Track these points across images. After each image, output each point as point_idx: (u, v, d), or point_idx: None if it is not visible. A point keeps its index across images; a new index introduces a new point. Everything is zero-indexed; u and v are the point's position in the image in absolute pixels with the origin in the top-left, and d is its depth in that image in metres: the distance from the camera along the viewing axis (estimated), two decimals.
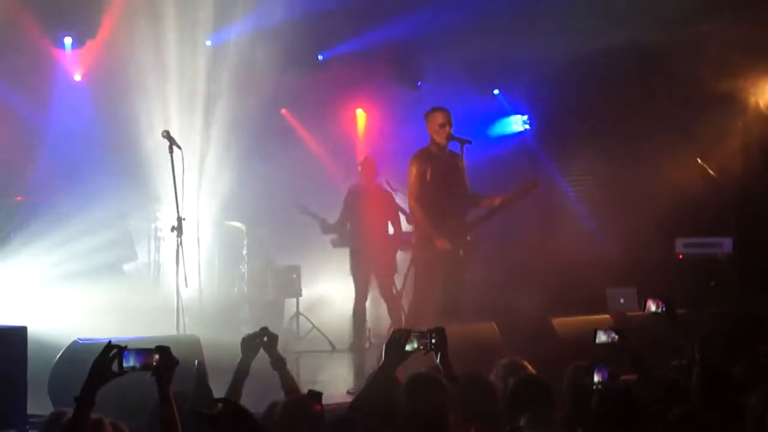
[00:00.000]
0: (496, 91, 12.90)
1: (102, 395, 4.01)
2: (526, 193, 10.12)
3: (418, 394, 4.32)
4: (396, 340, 4.46)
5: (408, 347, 4.46)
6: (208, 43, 12.29)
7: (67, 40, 11.86)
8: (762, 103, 10.42)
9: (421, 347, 4.50)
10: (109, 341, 3.89)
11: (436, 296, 8.53)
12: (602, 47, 10.93)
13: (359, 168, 10.74)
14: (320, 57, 12.67)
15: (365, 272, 10.41)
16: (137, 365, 3.86)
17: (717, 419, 4.18)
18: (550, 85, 12.04)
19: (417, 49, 12.39)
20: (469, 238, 8.63)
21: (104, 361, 3.82)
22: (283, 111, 13.08)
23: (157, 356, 3.89)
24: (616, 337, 5.09)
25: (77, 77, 12.06)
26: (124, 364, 3.83)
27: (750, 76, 10.33)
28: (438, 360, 4.58)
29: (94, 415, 3.96)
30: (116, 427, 4.05)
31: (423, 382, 4.39)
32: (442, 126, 8.50)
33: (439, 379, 4.41)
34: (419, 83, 12.74)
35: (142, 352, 3.88)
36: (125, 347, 3.87)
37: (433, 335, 4.51)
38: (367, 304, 10.48)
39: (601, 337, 5.14)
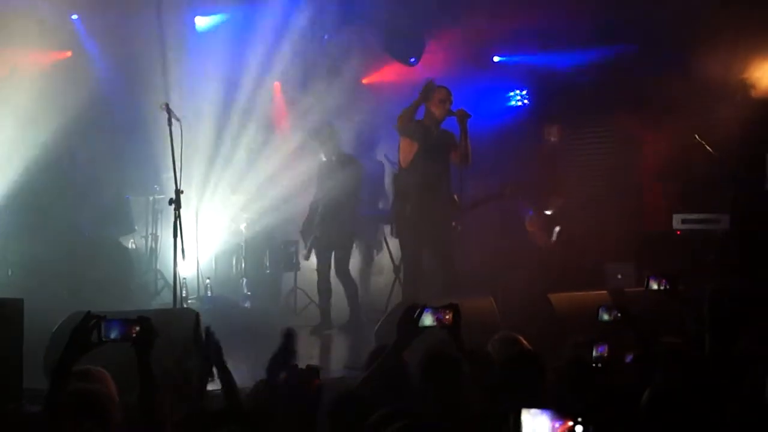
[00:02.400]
0: (496, 59, 12.84)
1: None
2: (499, 199, 10.27)
3: (437, 372, 4.30)
4: (409, 316, 4.40)
5: (422, 323, 4.40)
6: (199, 23, 12.31)
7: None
8: (759, 80, 10.39)
9: (436, 324, 4.42)
10: (89, 311, 3.86)
11: (428, 268, 8.66)
12: (601, 24, 10.92)
13: None
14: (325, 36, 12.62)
15: None
16: (117, 336, 3.83)
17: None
18: (547, 60, 12.01)
19: (414, 22, 12.34)
20: (459, 227, 8.69)
21: (83, 331, 3.79)
22: (276, 84, 13.03)
23: (137, 327, 3.85)
24: (619, 314, 5.08)
25: (68, 53, 12.02)
26: (104, 335, 3.81)
27: (747, 53, 10.30)
28: (451, 337, 4.51)
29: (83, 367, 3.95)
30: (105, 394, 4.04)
31: (442, 360, 4.36)
32: (442, 101, 8.61)
33: (456, 357, 4.37)
34: (412, 59, 12.65)
35: (122, 323, 3.84)
36: (104, 317, 3.84)
37: (448, 311, 4.45)
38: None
39: (604, 316, 5.12)
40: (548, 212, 10.70)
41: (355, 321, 9.88)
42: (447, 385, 4.26)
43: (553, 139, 10.93)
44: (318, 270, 10.21)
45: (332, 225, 10.00)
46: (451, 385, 4.27)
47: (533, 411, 2.85)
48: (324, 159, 10.26)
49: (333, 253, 10.11)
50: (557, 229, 10.62)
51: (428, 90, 8.59)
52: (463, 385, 4.30)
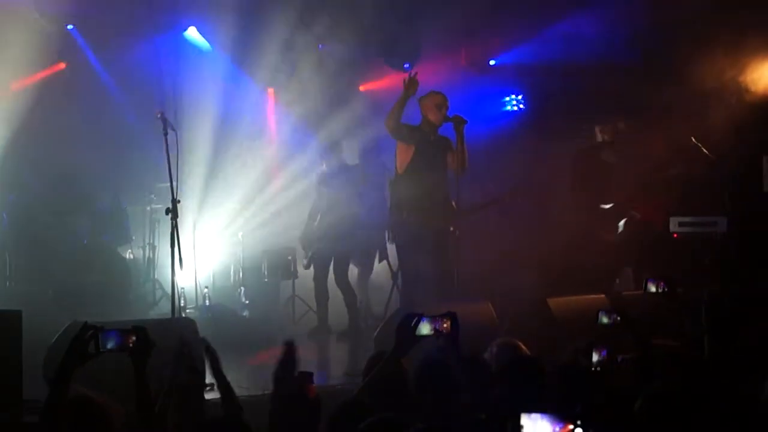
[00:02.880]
0: (492, 62, 12.84)
1: (94, 376, 4.01)
2: (503, 202, 10.17)
3: (430, 380, 4.28)
4: (407, 324, 4.41)
5: (419, 332, 4.40)
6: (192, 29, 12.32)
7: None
8: (754, 82, 10.41)
9: (433, 333, 4.40)
10: (86, 322, 3.87)
11: (425, 275, 8.64)
12: (597, 29, 10.95)
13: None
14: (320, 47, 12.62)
15: None
16: (114, 346, 3.84)
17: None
18: (543, 65, 12.02)
19: (408, 26, 12.36)
20: (457, 231, 8.65)
21: (81, 342, 3.79)
22: (270, 90, 13.06)
23: (133, 337, 3.87)
24: (618, 317, 5.08)
25: (62, 64, 12.01)
26: (101, 345, 3.81)
27: (742, 56, 10.32)
28: (449, 344, 4.49)
29: (83, 392, 3.94)
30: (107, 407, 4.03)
31: (435, 368, 4.35)
32: (439, 107, 8.59)
33: (449, 365, 4.35)
34: (406, 65, 12.66)
35: (119, 333, 3.85)
36: (101, 328, 3.85)
37: (446, 320, 4.45)
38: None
39: (603, 319, 5.12)
40: (605, 206, 10.33)
41: (354, 328, 9.90)
42: (441, 392, 4.25)
43: (605, 138, 10.46)
44: (314, 279, 10.25)
45: (333, 235, 10.02)
46: (445, 393, 4.25)
47: (533, 415, 2.85)
48: (326, 169, 10.29)
49: (332, 262, 10.14)
50: (623, 221, 10.29)
51: (411, 83, 8.52)
52: (458, 392, 4.28)
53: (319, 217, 10.31)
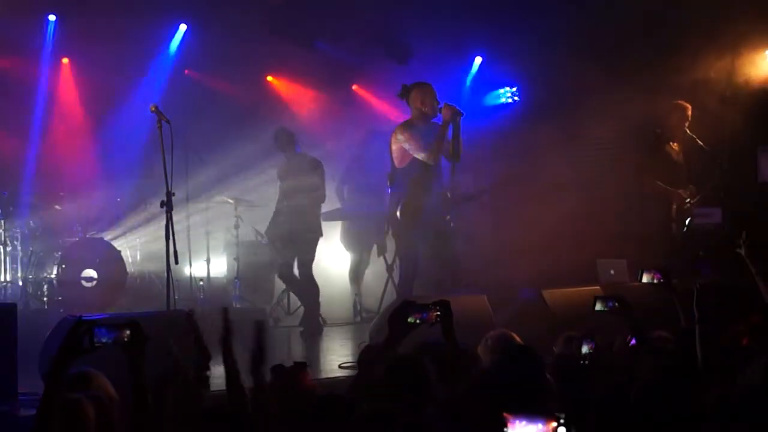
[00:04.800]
0: (486, 58, 12.83)
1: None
2: (476, 198, 10.15)
3: (397, 375, 4.25)
4: (399, 313, 4.40)
5: (411, 320, 4.39)
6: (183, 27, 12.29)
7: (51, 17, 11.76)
8: (748, 74, 10.41)
9: (419, 320, 4.40)
10: (80, 317, 3.87)
11: (424, 266, 8.64)
12: (589, 18, 10.95)
13: None
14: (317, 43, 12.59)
15: None
16: (108, 341, 3.84)
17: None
18: (539, 57, 12.01)
19: (403, 22, 12.34)
20: (452, 222, 8.64)
21: (75, 337, 3.79)
22: (269, 78, 13.06)
23: (127, 332, 3.87)
24: (616, 303, 5.07)
25: (65, 60, 11.96)
26: (95, 340, 3.82)
27: (736, 48, 10.33)
28: (444, 333, 4.48)
29: (72, 395, 3.94)
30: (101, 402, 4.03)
31: (403, 363, 4.31)
32: (432, 98, 8.57)
33: (419, 359, 4.33)
34: (406, 59, 12.66)
35: (113, 328, 3.86)
36: (96, 323, 3.85)
37: (438, 308, 4.46)
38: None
39: (599, 306, 5.11)
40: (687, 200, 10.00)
41: (308, 322, 9.96)
42: (410, 388, 4.20)
43: (674, 123, 10.07)
44: (299, 272, 10.26)
45: (297, 227, 10.05)
46: (414, 388, 4.18)
47: (517, 414, 2.86)
48: (285, 160, 10.37)
49: (298, 254, 10.17)
50: (689, 219, 10.05)
51: (457, 113, 8.53)
52: (429, 388, 4.21)
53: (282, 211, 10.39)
